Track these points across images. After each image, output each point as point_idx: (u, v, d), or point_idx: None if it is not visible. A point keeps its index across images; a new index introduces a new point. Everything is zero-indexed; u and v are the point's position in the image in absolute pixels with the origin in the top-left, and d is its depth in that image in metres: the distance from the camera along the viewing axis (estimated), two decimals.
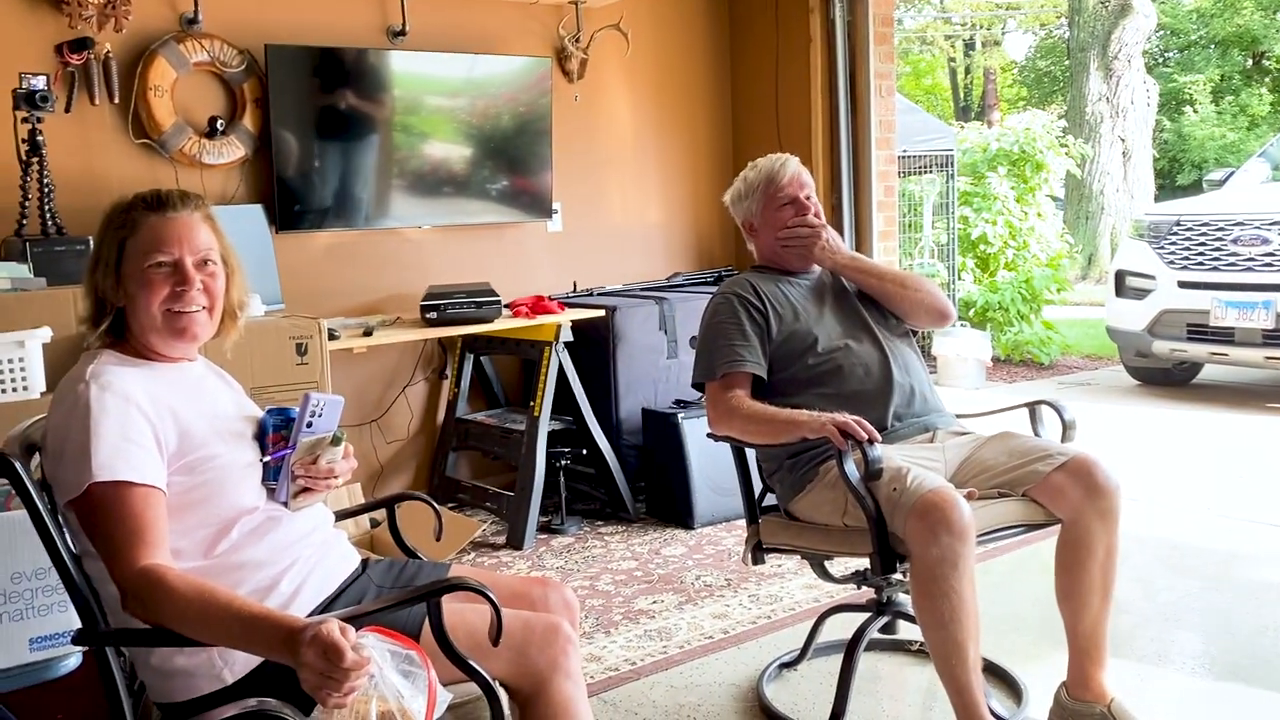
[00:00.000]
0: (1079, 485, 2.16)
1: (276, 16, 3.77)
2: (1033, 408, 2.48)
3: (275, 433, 1.67)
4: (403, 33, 4.00)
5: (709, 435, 2.48)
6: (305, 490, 1.66)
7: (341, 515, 1.92)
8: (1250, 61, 15.68)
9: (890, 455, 2.16)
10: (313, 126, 3.81)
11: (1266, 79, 15.50)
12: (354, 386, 3.98)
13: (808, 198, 2.57)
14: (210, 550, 1.53)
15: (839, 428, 2.12)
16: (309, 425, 1.64)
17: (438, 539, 1.93)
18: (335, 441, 1.66)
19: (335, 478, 1.68)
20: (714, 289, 4.39)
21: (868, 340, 2.47)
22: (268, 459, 1.64)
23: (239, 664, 1.50)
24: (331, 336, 3.27)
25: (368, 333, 3.55)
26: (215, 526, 1.55)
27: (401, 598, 1.46)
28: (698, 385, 2.50)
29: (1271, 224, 5.49)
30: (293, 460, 1.63)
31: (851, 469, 2.10)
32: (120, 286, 1.60)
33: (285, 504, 1.64)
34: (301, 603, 1.58)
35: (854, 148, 4.68)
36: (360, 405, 4.05)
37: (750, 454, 2.52)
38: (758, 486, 2.53)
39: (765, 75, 4.81)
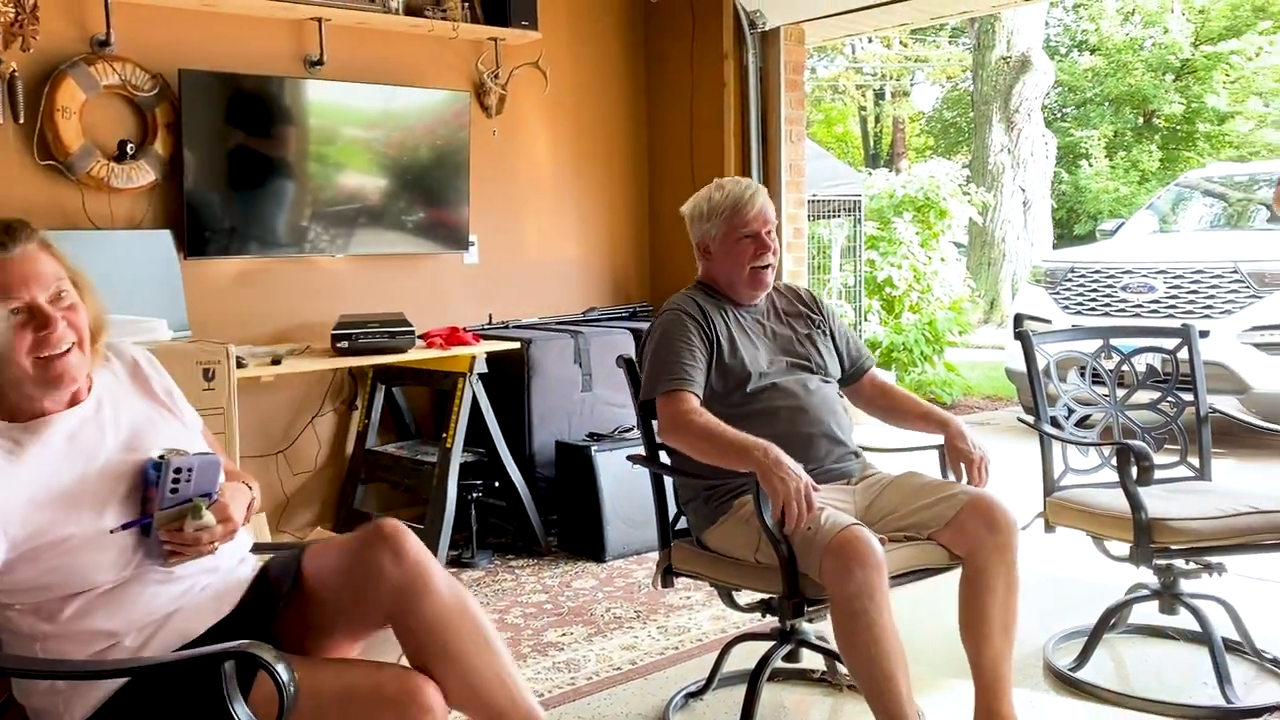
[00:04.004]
0: (978, 521, 2.23)
1: (191, 42, 3.73)
2: (943, 450, 2.57)
3: (150, 488, 1.57)
4: (320, 62, 3.99)
5: (633, 459, 2.49)
6: (177, 554, 1.56)
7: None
8: (1141, 119, 16.49)
9: None
10: (225, 153, 3.77)
11: (1156, 136, 16.30)
12: (260, 416, 3.92)
13: (769, 233, 2.53)
14: (54, 618, 1.50)
15: (782, 482, 2.11)
16: (173, 490, 1.55)
17: None
18: (195, 512, 1.56)
19: (208, 544, 1.57)
20: (629, 324, 4.49)
21: (795, 384, 2.47)
22: (120, 528, 1.53)
23: (77, 709, 1.49)
24: (239, 364, 3.22)
25: (276, 361, 3.51)
26: (61, 598, 1.49)
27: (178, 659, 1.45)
28: (647, 401, 2.44)
29: (1158, 272, 5.79)
30: (157, 527, 1.54)
31: (768, 512, 2.13)
32: None
33: (162, 565, 1.57)
34: (149, 652, 1.53)
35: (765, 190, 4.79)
36: (267, 436, 3.98)
37: (668, 479, 2.54)
38: (672, 510, 2.56)
39: (680, 116, 4.91)
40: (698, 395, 2.36)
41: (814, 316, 2.66)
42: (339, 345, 3.65)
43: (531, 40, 4.45)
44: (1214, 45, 15.22)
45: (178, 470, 1.55)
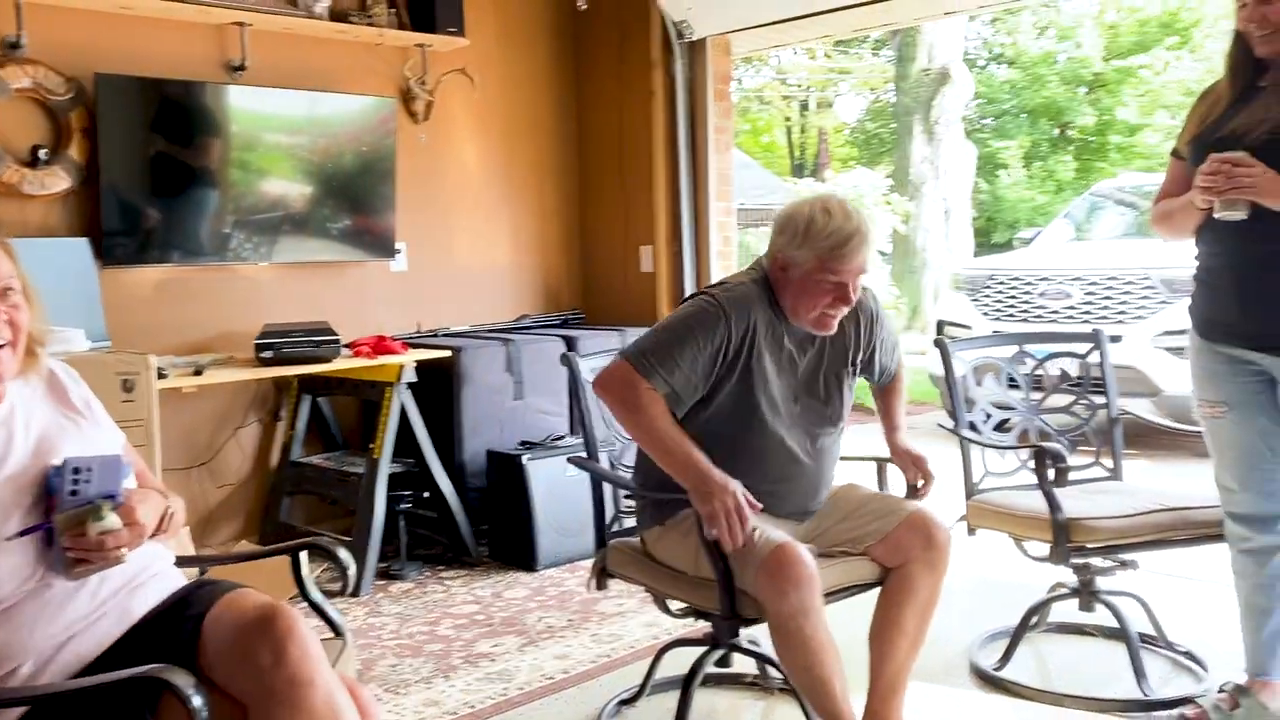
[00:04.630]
0: (915, 537, 2.27)
1: (108, 45, 3.64)
2: (881, 464, 2.62)
3: (54, 495, 1.51)
4: (242, 68, 3.92)
5: (574, 462, 2.49)
6: (82, 562, 1.49)
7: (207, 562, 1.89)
8: (1057, 131, 16.98)
9: None
10: (144, 159, 3.68)
11: (1070, 147, 16.81)
12: (182, 428, 3.83)
13: (855, 285, 2.27)
14: None
15: (716, 500, 2.10)
16: (72, 494, 1.49)
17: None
18: (96, 514, 1.48)
19: (114, 550, 1.49)
20: (562, 331, 4.48)
21: (801, 442, 2.37)
22: (17, 535, 1.47)
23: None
24: (160, 375, 3.14)
25: (198, 372, 3.43)
26: None
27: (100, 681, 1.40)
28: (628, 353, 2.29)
29: (1073, 279, 5.96)
30: (59, 533, 1.48)
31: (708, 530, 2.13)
32: None
33: (66, 576, 1.50)
34: (46, 678, 1.47)
35: (694, 199, 4.83)
36: (189, 448, 3.89)
37: (606, 485, 2.55)
38: (610, 511, 2.57)
39: (610, 124, 4.93)
40: (665, 397, 2.23)
41: (852, 344, 2.44)
42: (263, 355, 3.59)
43: (459, 47, 4.43)
44: (1124, 60, 15.74)
45: (76, 470, 1.50)
